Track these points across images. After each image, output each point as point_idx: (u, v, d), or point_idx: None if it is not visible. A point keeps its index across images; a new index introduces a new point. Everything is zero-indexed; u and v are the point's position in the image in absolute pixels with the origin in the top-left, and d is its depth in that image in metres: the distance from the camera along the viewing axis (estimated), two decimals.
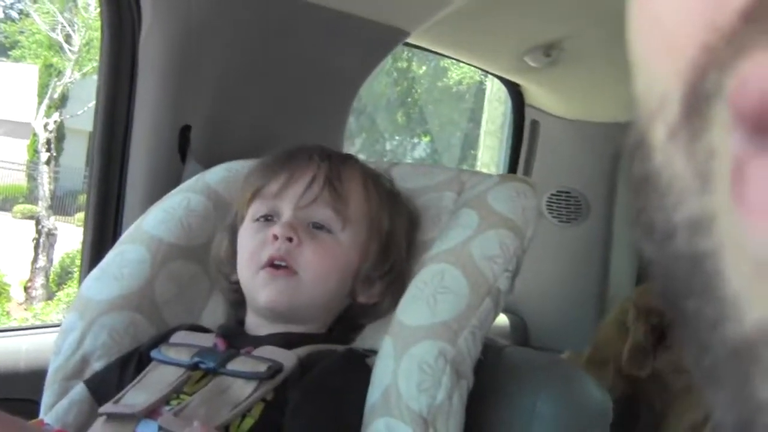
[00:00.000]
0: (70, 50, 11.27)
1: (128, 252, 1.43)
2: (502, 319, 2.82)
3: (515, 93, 2.82)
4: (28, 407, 1.35)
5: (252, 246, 1.32)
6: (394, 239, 1.37)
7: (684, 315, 0.28)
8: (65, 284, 9.80)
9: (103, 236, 1.70)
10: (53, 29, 11.48)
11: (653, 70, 0.29)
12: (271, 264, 1.28)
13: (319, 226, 1.32)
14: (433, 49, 2.38)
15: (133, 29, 1.66)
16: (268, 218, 1.34)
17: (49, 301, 9.50)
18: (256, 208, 1.35)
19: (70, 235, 9.94)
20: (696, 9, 0.27)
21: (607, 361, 2.35)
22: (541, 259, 2.66)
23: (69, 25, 11.22)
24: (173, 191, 1.53)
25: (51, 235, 10.48)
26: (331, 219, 1.32)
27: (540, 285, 2.81)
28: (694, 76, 0.27)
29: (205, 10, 1.64)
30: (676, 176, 0.28)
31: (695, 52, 0.27)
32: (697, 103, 0.27)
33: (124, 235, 1.49)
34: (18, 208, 13.21)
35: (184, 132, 1.69)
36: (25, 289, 10.23)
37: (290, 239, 1.29)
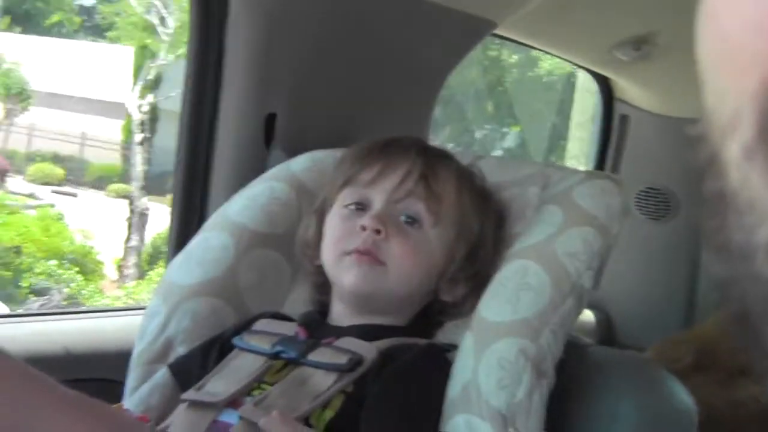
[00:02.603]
0: (164, 32, 11.42)
1: (212, 238, 1.44)
2: (588, 316, 2.80)
3: (604, 86, 2.79)
4: (113, 387, 1.37)
5: (339, 232, 1.32)
6: (482, 243, 1.35)
7: (762, 341, 0.27)
8: (156, 264, 9.94)
9: (188, 222, 1.71)
10: (148, 11, 11.63)
11: (723, 86, 0.28)
12: (357, 252, 1.28)
13: (409, 221, 1.31)
14: (521, 41, 2.36)
15: (221, 16, 1.67)
16: (359, 206, 1.33)
17: (141, 280, 9.65)
18: (347, 195, 1.35)
19: (162, 215, 10.07)
20: (764, 30, 0.25)
21: (723, 368, 2.22)
22: (628, 256, 2.62)
23: (163, 8, 11.36)
24: (258, 179, 1.54)
25: (143, 215, 10.64)
26: (423, 214, 1.31)
27: (627, 282, 2.77)
28: (767, 99, 0.26)
29: None
30: (757, 198, 0.27)
31: (765, 75, 0.25)
32: None
33: (209, 222, 1.50)
34: (112, 187, 13.43)
35: (270, 120, 1.69)
36: (118, 267, 10.40)
37: (378, 231, 1.28)
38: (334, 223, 1.35)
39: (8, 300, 8.39)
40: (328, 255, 1.33)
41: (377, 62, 1.80)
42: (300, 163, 1.55)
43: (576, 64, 2.70)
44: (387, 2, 1.71)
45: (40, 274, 8.65)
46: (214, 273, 1.41)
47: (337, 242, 1.31)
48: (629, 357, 1.49)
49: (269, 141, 1.70)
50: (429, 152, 1.37)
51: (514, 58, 10.94)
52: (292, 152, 1.60)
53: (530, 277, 1.24)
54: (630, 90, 2.71)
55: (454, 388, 1.20)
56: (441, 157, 1.39)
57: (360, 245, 1.28)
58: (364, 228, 1.28)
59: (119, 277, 10.29)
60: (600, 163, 2.84)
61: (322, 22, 1.69)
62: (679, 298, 2.80)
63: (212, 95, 1.70)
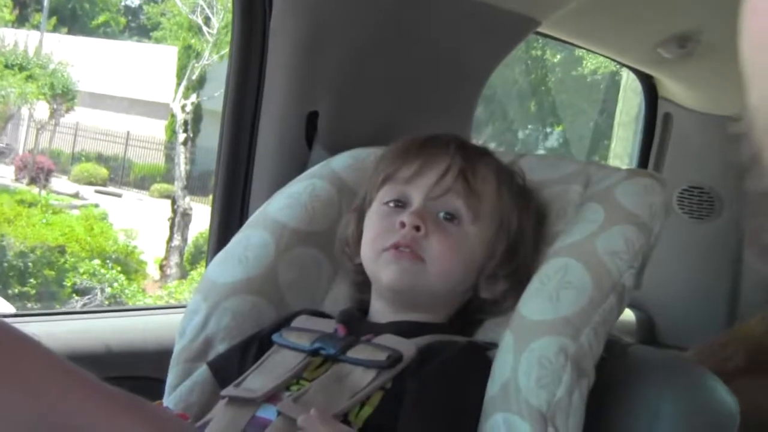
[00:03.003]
0: (208, 32, 11.47)
1: (253, 236, 1.45)
2: (629, 315, 2.78)
3: (648, 85, 2.78)
4: (153, 385, 1.38)
5: (378, 229, 1.32)
6: (522, 240, 1.34)
7: None
8: (198, 263, 9.99)
9: (229, 220, 1.72)
10: (193, 11, 11.69)
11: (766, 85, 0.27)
12: (396, 247, 1.28)
13: (448, 217, 1.31)
14: (564, 39, 2.35)
15: (264, 15, 1.68)
16: (398, 204, 1.33)
17: (183, 280, 9.70)
18: (386, 193, 1.35)
19: (205, 214, 10.12)
20: None
21: None
22: (671, 256, 2.60)
23: (208, 8, 11.42)
24: (299, 177, 1.54)
25: (186, 214, 10.71)
26: (462, 210, 1.31)
27: (669, 281, 2.75)
28: None
29: None
30: None
31: None
32: None
33: (250, 220, 1.50)
34: (155, 187, 13.54)
35: (312, 118, 1.69)
36: (161, 267, 10.47)
37: (418, 228, 1.28)
38: (373, 220, 1.35)
39: (51, 299, 8.48)
40: (366, 252, 1.33)
41: (419, 60, 1.79)
42: (341, 161, 1.55)
43: (620, 63, 2.69)
44: (429, 0, 1.70)
45: (83, 273, 8.73)
46: (255, 271, 1.41)
47: (375, 239, 1.31)
48: (670, 356, 1.48)
49: (311, 139, 1.70)
50: (468, 149, 1.37)
51: (558, 57, 10.89)
52: (334, 150, 1.60)
53: (571, 275, 1.22)
54: (674, 88, 2.69)
55: (494, 387, 1.19)
56: (480, 154, 1.38)
57: (400, 240, 1.27)
58: (403, 225, 1.28)
59: (161, 276, 10.35)
60: (643, 162, 2.83)
61: (364, 21, 1.69)
62: (722, 298, 2.78)
63: (254, 93, 1.71)
